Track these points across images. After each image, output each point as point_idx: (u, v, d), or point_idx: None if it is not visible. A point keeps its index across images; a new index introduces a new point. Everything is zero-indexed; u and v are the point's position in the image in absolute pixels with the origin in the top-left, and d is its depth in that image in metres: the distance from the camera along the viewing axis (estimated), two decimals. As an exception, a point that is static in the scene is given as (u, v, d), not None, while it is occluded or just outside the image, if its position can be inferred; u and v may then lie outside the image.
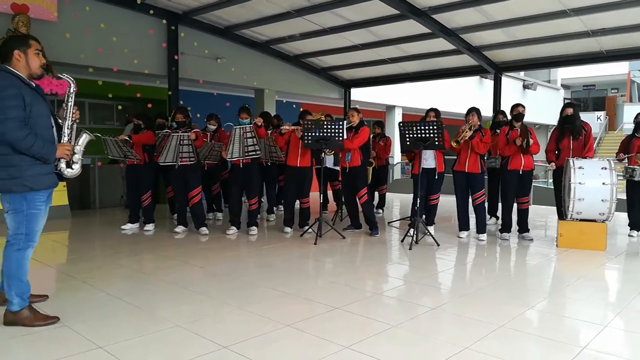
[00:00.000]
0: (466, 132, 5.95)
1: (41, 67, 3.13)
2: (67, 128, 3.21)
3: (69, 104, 3.23)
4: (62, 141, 3.18)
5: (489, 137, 6.08)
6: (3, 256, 3.08)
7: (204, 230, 6.38)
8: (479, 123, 6.05)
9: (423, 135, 5.75)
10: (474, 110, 6.08)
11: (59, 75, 3.34)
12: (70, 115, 3.22)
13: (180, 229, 6.47)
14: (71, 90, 3.25)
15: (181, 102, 8.82)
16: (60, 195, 7.46)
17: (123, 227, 6.67)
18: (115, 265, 4.82)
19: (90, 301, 3.63)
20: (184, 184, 6.35)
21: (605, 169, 5.51)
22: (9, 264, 3.06)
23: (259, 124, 6.29)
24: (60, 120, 3.24)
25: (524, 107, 6.28)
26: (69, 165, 3.22)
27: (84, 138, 3.32)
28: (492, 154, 6.95)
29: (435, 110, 6.33)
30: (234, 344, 2.84)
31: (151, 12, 8.44)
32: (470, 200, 6.24)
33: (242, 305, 3.55)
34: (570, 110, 6.02)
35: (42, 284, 4.08)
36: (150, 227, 6.63)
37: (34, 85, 3.09)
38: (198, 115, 8.03)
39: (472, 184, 6.11)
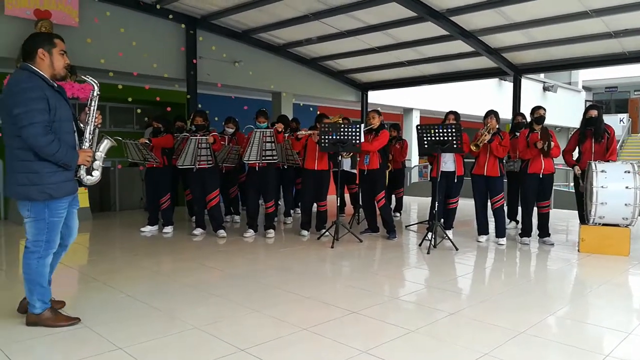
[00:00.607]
0: (485, 135, 5.89)
1: (65, 68, 3.04)
2: (89, 133, 3.11)
3: (92, 107, 3.13)
4: (83, 147, 3.09)
5: (507, 140, 6.01)
6: (23, 263, 3.05)
7: (221, 232, 6.42)
8: (497, 126, 5.98)
9: (441, 138, 5.71)
10: (492, 113, 6.01)
11: (83, 77, 3.21)
12: (93, 119, 3.12)
13: (198, 231, 6.52)
14: (95, 94, 3.14)
15: (199, 106, 8.91)
16: (81, 198, 7.51)
17: (142, 229, 6.74)
18: (135, 267, 4.88)
19: (110, 302, 3.68)
20: (202, 186, 6.40)
21: (629, 172, 5.39)
22: (30, 271, 3.02)
23: (280, 129, 6.32)
24: (81, 125, 3.14)
25: (544, 109, 6.18)
26: (88, 172, 3.12)
27: (105, 144, 3.21)
28: (512, 157, 6.87)
29: (454, 113, 6.26)
30: (251, 347, 2.85)
31: (170, 16, 8.56)
32: (489, 204, 6.17)
33: (259, 308, 3.56)
34: (594, 112, 5.91)
35: (64, 286, 4.15)
36: (169, 229, 6.69)
37: (57, 86, 3.00)
38: (216, 119, 8.11)
39: (491, 188, 6.05)
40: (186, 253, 5.58)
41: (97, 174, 3.17)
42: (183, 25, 8.94)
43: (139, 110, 10.32)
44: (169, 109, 9.15)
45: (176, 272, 4.66)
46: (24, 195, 2.92)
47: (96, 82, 3.18)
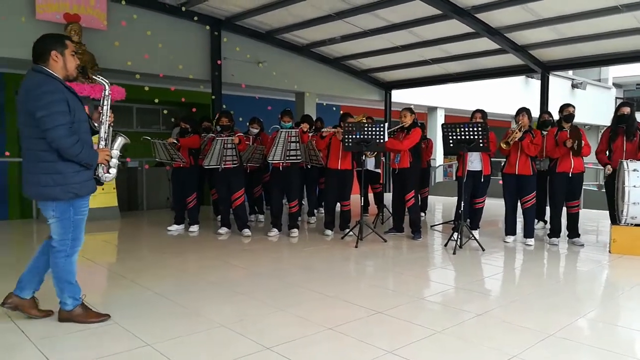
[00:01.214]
0: (516, 133, 5.78)
1: (76, 69, 3.07)
2: (104, 132, 3.15)
3: (105, 106, 3.15)
4: (99, 146, 3.13)
5: (539, 138, 5.88)
6: (51, 263, 3.11)
7: (246, 231, 6.47)
8: (529, 124, 5.86)
9: (467, 137, 5.63)
10: (524, 111, 5.89)
11: (93, 77, 3.24)
12: (107, 119, 3.16)
13: (223, 230, 6.59)
14: (106, 93, 3.17)
15: (224, 106, 9.01)
16: (110, 197, 7.75)
17: (169, 228, 6.84)
18: (161, 265, 4.95)
19: (138, 300, 3.74)
20: (228, 186, 6.46)
21: (663, 171, 5.23)
22: (58, 270, 3.08)
23: (305, 129, 6.33)
24: (95, 124, 3.18)
25: (574, 107, 6.04)
26: (105, 170, 3.16)
27: (120, 142, 3.24)
28: (539, 156, 6.72)
29: (481, 111, 6.17)
30: (276, 345, 2.86)
31: (195, 18, 8.67)
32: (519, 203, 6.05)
33: (283, 306, 3.58)
34: (627, 109, 5.74)
35: (94, 283, 4.26)
36: (194, 228, 6.77)
37: (71, 87, 3.03)
38: (240, 119, 8.18)
39: (522, 187, 5.91)
40: (211, 252, 5.64)
41: (113, 172, 3.20)
42: (208, 27, 9.05)
43: (165, 111, 10.48)
44: (194, 109, 9.27)
45: (202, 271, 4.71)
46: (48, 195, 2.97)
47: (107, 81, 3.19)
